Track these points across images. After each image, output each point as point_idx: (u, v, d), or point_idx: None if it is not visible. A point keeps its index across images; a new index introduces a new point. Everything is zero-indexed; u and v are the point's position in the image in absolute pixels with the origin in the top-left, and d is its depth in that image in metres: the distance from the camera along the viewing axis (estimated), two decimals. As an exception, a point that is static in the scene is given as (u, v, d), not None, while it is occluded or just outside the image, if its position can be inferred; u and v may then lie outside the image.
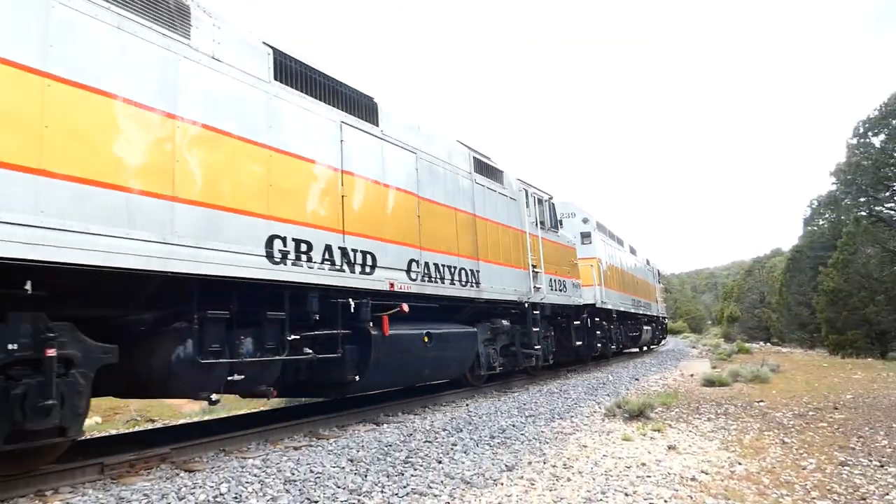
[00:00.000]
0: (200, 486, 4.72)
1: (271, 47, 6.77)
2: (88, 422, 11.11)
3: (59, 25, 4.68)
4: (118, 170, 4.94)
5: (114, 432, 10.41)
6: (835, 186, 35.41)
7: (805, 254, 36.73)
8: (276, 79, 6.73)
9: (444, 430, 7.06)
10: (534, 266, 12.89)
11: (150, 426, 11.70)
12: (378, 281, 7.83)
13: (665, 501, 4.42)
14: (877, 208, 32.19)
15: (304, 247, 6.64)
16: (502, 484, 4.91)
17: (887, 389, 11.11)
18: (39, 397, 4.40)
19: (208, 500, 4.40)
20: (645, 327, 25.70)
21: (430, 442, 6.43)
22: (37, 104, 4.44)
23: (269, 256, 6.21)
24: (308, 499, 4.47)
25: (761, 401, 9.50)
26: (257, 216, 6.13)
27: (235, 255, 5.80)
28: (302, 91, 7.11)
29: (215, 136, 5.85)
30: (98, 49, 4.93)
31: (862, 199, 32.97)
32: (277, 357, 6.49)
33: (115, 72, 5.02)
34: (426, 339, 8.73)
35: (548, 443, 6.44)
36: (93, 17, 4.94)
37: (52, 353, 4.45)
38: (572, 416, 8.16)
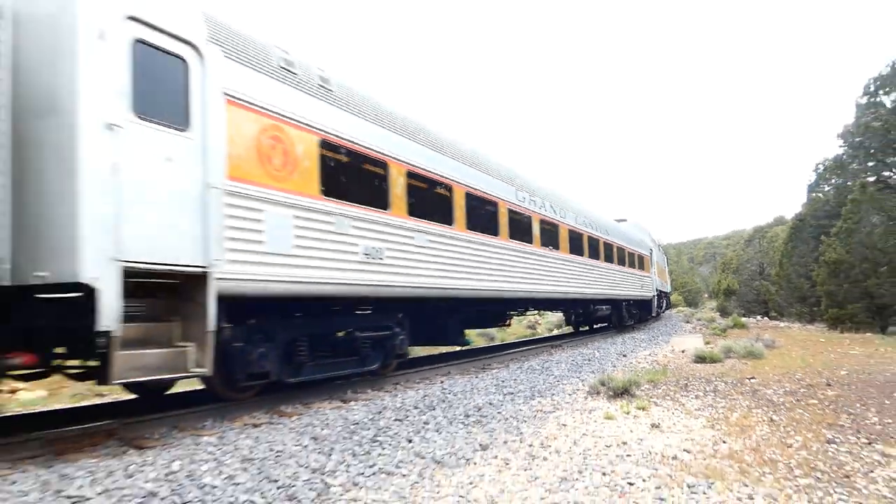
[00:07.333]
0: (150, 464, 4.80)
1: (654, 240, 26.89)
2: (30, 396, 11.12)
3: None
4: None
5: (58, 407, 10.42)
6: (842, 150, 35.86)
7: (808, 222, 37.64)
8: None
9: (416, 407, 7.27)
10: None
11: (98, 401, 11.70)
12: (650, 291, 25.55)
13: (644, 480, 4.60)
14: (885, 173, 32.49)
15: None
16: (475, 463, 5.07)
17: (883, 365, 11.57)
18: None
19: (159, 478, 4.48)
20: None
21: (400, 420, 6.58)
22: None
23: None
24: (267, 477, 4.58)
25: (753, 377, 9.89)
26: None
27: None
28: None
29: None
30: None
31: (870, 164, 33.38)
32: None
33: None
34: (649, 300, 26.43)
35: (525, 421, 6.63)
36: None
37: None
38: (553, 394, 8.44)
